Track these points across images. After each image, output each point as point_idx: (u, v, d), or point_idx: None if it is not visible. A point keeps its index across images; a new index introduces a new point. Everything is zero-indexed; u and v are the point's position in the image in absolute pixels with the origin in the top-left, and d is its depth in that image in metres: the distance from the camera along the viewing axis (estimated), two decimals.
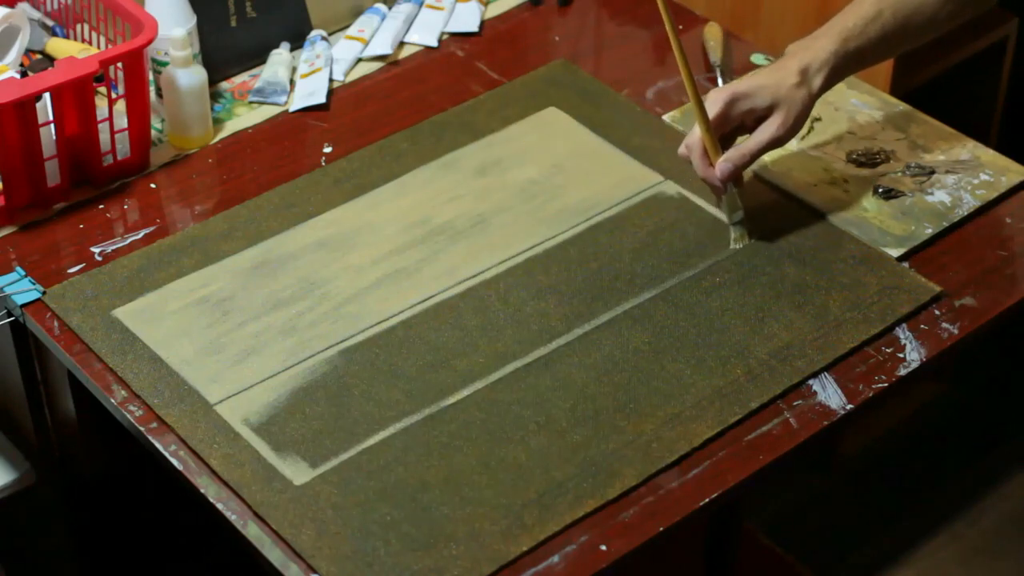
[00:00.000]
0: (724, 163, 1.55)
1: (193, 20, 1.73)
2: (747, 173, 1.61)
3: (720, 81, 1.79)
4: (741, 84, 1.56)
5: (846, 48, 1.55)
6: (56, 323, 1.51)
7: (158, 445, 1.39)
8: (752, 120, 1.56)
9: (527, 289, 1.54)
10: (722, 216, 1.60)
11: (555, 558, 1.29)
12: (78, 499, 1.74)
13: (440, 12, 1.92)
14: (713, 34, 1.86)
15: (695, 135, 1.56)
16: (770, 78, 1.55)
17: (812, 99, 1.56)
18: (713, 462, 1.37)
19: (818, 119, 1.73)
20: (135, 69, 1.63)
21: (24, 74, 1.69)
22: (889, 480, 2.43)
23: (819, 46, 1.56)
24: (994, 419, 1.64)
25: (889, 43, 1.58)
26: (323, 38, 1.86)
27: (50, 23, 1.80)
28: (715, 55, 1.83)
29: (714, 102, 1.55)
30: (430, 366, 1.45)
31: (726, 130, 1.58)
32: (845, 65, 1.56)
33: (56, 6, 1.80)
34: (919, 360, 1.47)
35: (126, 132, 1.67)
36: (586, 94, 1.79)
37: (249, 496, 1.33)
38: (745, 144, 1.56)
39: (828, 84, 1.56)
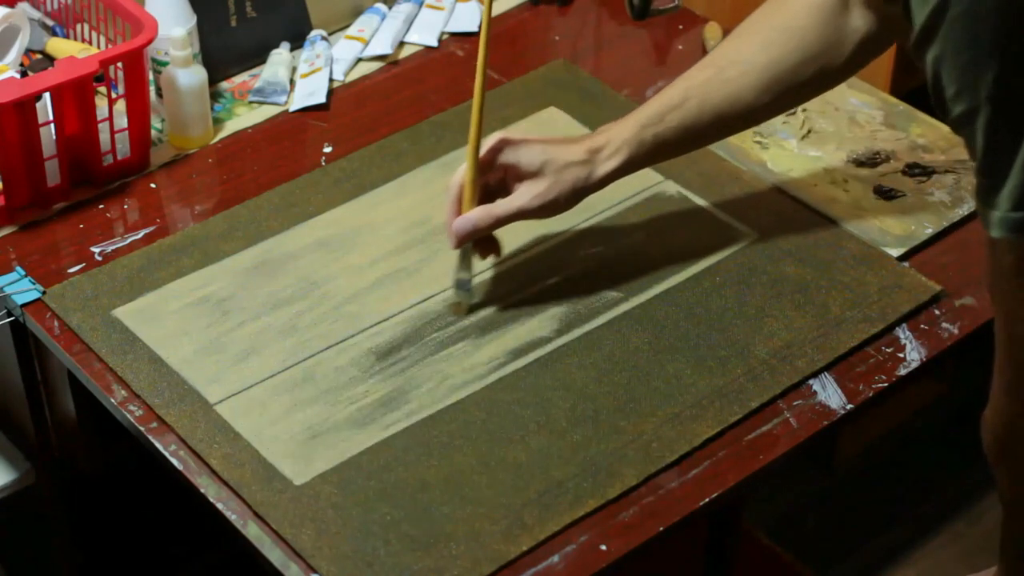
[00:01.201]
0: (463, 221, 1.45)
1: (193, 20, 1.73)
2: (751, 178, 1.60)
3: None
4: (519, 135, 1.46)
5: (641, 136, 1.46)
6: (56, 323, 1.51)
7: (158, 445, 1.39)
8: (514, 179, 1.47)
9: (526, 289, 1.53)
10: None
11: (555, 558, 1.29)
12: (78, 499, 1.74)
13: (440, 12, 1.92)
14: (713, 34, 1.86)
15: (458, 175, 1.46)
16: (553, 144, 1.46)
17: (592, 182, 1.46)
18: (713, 462, 1.37)
19: (815, 119, 1.74)
20: (135, 69, 1.63)
21: (24, 74, 1.69)
22: (889, 480, 2.43)
23: (618, 130, 1.47)
24: None
25: (693, 132, 1.48)
26: (323, 38, 1.86)
27: (50, 23, 1.80)
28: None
29: (485, 142, 1.45)
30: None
31: (491, 179, 1.48)
32: (644, 153, 1.47)
33: (56, 6, 1.80)
34: (919, 360, 1.47)
35: (126, 132, 1.67)
36: (586, 94, 1.79)
37: (249, 496, 1.33)
38: (493, 206, 1.46)
39: (623, 171, 1.47)
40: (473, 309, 1.51)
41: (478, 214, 1.45)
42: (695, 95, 1.47)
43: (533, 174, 1.45)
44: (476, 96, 1.45)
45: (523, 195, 1.45)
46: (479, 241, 1.49)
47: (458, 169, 1.47)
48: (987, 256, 1.17)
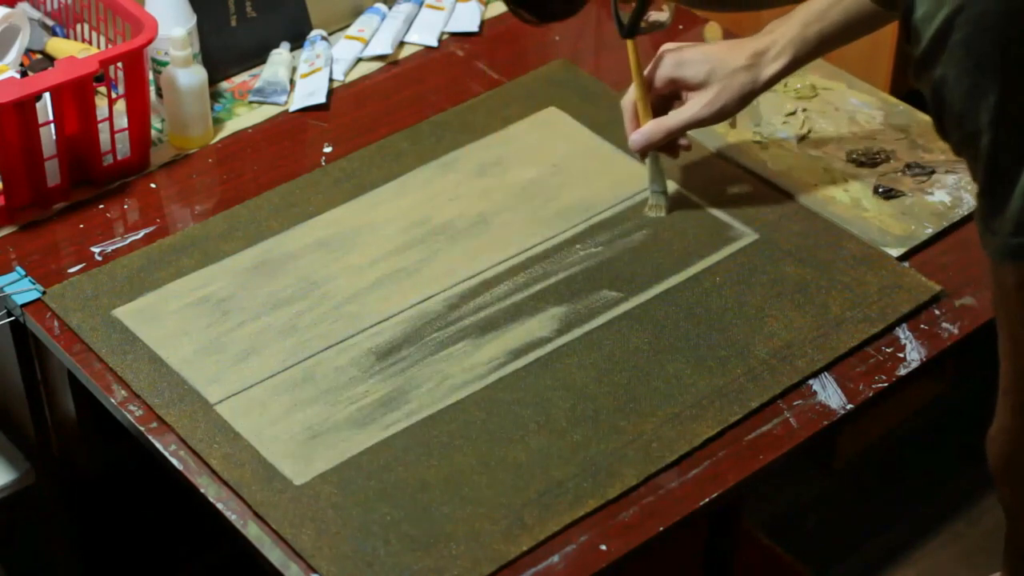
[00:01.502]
0: (638, 135, 1.53)
1: (193, 20, 1.73)
2: (751, 178, 1.61)
3: None
4: (686, 50, 1.51)
5: (805, 34, 1.50)
6: (56, 323, 1.51)
7: (158, 445, 1.39)
8: (684, 90, 1.52)
9: (527, 289, 1.53)
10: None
11: (555, 558, 1.29)
12: (78, 499, 1.73)
13: (440, 12, 1.92)
14: (713, 34, 1.86)
15: (630, 94, 1.52)
16: (718, 53, 1.50)
17: (759, 85, 1.51)
18: (713, 462, 1.37)
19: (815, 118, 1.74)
20: (135, 69, 1.63)
21: (24, 74, 1.69)
22: (889, 480, 2.43)
23: (781, 32, 1.51)
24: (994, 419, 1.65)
25: (853, 24, 1.52)
26: (323, 38, 1.86)
27: (50, 23, 1.80)
28: None
29: (654, 59, 1.51)
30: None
31: (663, 92, 1.53)
32: (807, 51, 1.52)
33: (56, 6, 1.80)
34: (919, 360, 1.47)
35: (126, 132, 1.67)
36: (586, 94, 1.79)
37: (249, 496, 1.33)
38: (665, 119, 1.53)
39: (787, 70, 1.52)
40: (474, 310, 1.51)
41: (651, 127, 1.52)
42: None
43: (700, 84, 1.50)
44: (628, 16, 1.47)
45: (692, 106, 1.51)
46: (665, 147, 1.56)
47: (629, 88, 1.53)
48: (991, 277, 1.17)
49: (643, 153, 1.56)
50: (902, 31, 1.10)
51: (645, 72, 1.53)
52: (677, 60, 1.50)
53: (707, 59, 1.49)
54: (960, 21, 1.04)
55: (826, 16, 1.50)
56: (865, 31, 1.55)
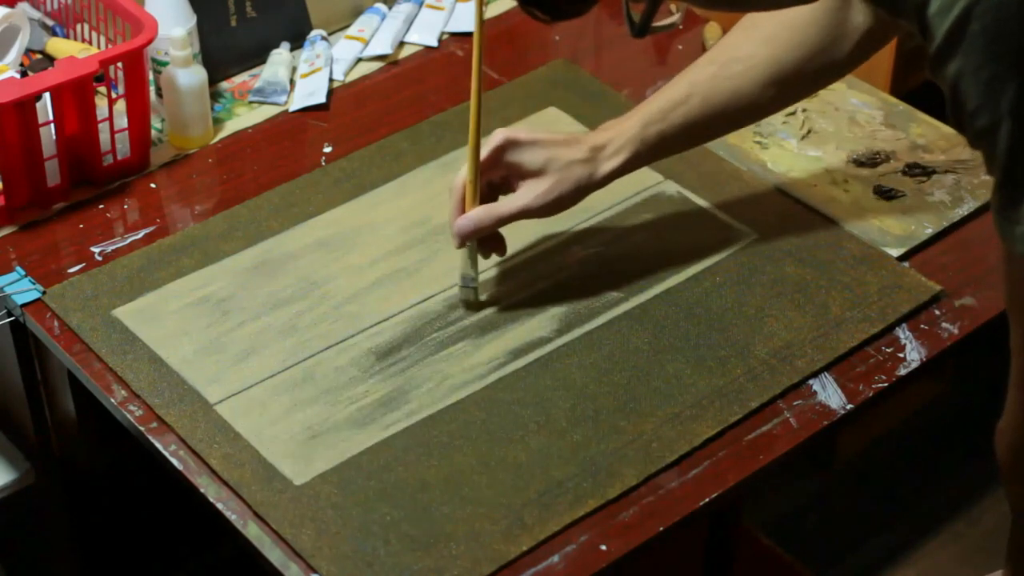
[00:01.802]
0: (465, 220, 1.45)
1: (193, 20, 1.73)
2: (751, 178, 1.60)
3: None
4: (524, 133, 1.46)
5: (645, 134, 1.46)
6: (56, 323, 1.51)
7: (158, 445, 1.39)
8: (517, 177, 1.47)
9: (526, 289, 1.53)
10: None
11: (555, 558, 1.29)
12: (78, 499, 1.73)
13: (440, 12, 1.92)
14: (713, 34, 1.86)
15: (461, 175, 1.46)
16: (556, 143, 1.45)
17: (596, 180, 1.46)
18: (713, 462, 1.37)
19: (815, 118, 1.74)
20: (135, 69, 1.63)
21: (24, 74, 1.69)
22: (889, 480, 2.43)
23: (621, 128, 1.47)
24: (994, 419, 1.64)
25: (697, 129, 1.48)
26: (323, 38, 1.86)
27: (50, 23, 1.80)
28: None
29: (488, 140, 1.45)
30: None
31: (494, 178, 1.48)
32: (647, 150, 1.47)
33: (56, 6, 1.80)
34: (919, 360, 1.47)
35: (126, 132, 1.67)
36: (586, 94, 1.79)
37: (249, 496, 1.33)
38: (496, 205, 1.46)
39: (625, 168, 1.47)
40: (475, 308, 1.51)
41: (480, 213, 1.45)
42: (699, 91, 1.47)
43: (536, 173, 1.45)
44: (473, 96, 1.45)
45: (526, 194, 1.46)
46: (484, 240, 1.49)
47: (461, 169, 1.47)
48: (1005, 271, 1.16)
49: (462, 240, 1.46)
50: (917, 28, 1.10)
51: (483, 155, 1.46)
52: (507, 142, 1.45)
53: (546, 149, 1.44)
54: (978, 11, 1.04)
55: (667, 118, 1.47)
56: (720, 131, 1.53)
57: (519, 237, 1.59)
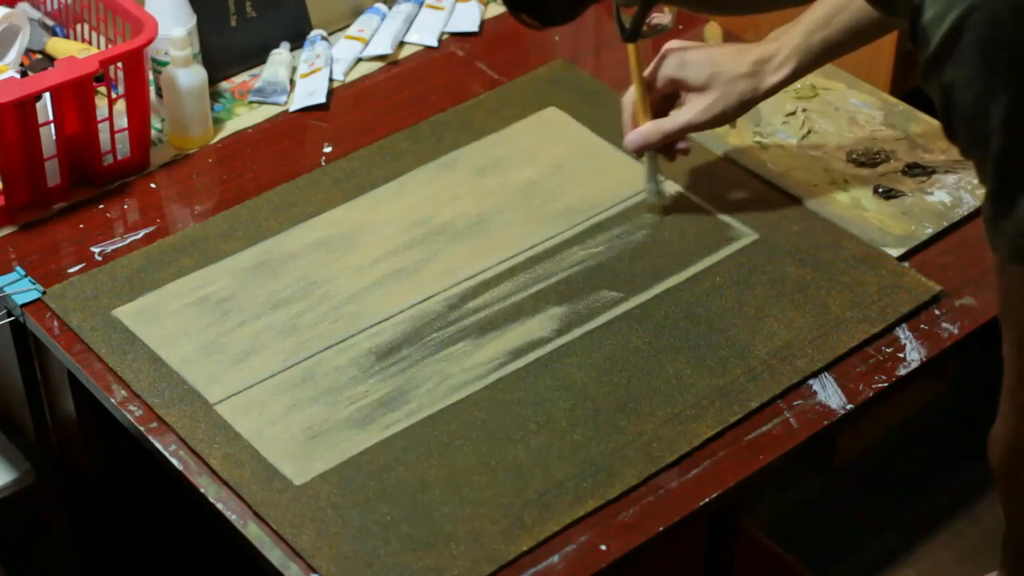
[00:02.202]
0: (634, 135, 1.52)
1: (193, 20, 1.73)
2: (751, 178, 1.60)
3: None
4: (690, 51, 1.49)
5: (810, 42, 1.49)
6: (56, 323, 1.51)
7: (158, 445, 1.39)
8: (683, 90, 1.51)
9: (527, 289, 1.54)
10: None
11: (555, 558, 1.29)
12: (78, 499, 1.73)
13: (440, 12, 1.92)
14: (713, 33, 1.86)
15: (630, 93, 1.51)
16: (722, 57, 1.48)
17: (760, 94, 1.49)
18: (713, 462, 1.37)
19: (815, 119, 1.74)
20: (135, 69, 1.63)
21: (24, 74, 1.69)
22: (889, 480, 2.43)
23: (785, 39, 1.50)
24: (994, 419, 1.64)
25: (861, 31, 1.50)
26: (323, 38, 1.86)
27: (50, 23, 1.80)
28: None
29: (657, 56, 1.49)
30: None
31: (663, 91, 1.52)
32: (811, 59, 1.50)
33: (56, 6, 1.80)
34: (919, 360, 1.47)
35: (126, 132, 1.67)
36: (586, 94, 1.79)
37: (249, 496, 1.33)
38: (662, 121, 1.52)
39: (790, 79, 1.50)
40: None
41: (648, 129, 1.51)
42: None
43: (701, 87, 1.48)
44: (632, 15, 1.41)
45: (690, 109, 1.50)
46: (663, 149, 1.55)
47: (630, 88, 1.52)
48: (996, 278, 1.16)
49: (639, 153, 1.56)
50: (909, 34, 1.10)
51: (647, 71, 1.52)
52: (680, 60, 1.49)
53: (710, 62, 1.48)
54: (971, 22, 1.03)
55: (831, 23, 1.49)
56: (872, 37, 1.54)
57: (518, 237, 1.59)
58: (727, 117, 1.51)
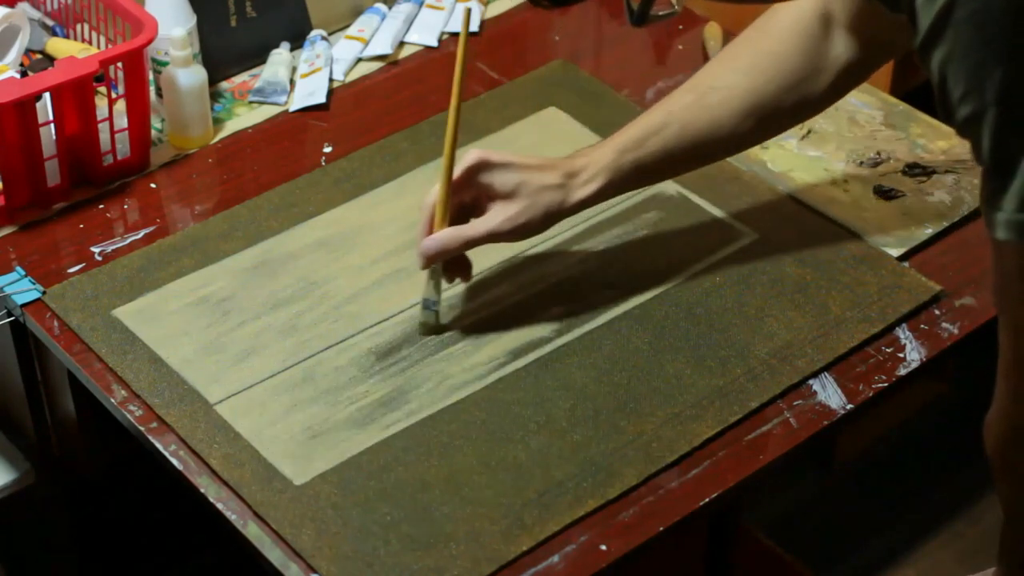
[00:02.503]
0: (431, 241, 1.42)
1: (193, 20, 1.73)
2: (751, 178, 1.60)
3: None
4: (498, 155, 1.43)
5: (620, 162, 1.44)
6: (56, 323, 1.51)
7: (158, 445, 1.39)
8: (487, 199, 1.43)
9: (526, 290, 1.53)
10: None
11: (555, 558, 1.29)
12: (78, 499, 1.74)
13: (440, 12, 1.92)
14: (713, 34, 1.86)
15: (431, 194, 1.43)
16: (531, 167, 1.42)
17: (567, 207, 1.43)
18: (713, 462, 1.37)
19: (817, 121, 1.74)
20: (135, 69, 1.63)
21: (24, 74, 1.69)
22: (889, 480, 2.43)
23: (597, 155, 1.44)
24: None
25: (673, 158, 1.46)
26: (323, 38, 1.86)
27: (50, 23, 1.80)
28: (715, 55, 1.83)
29: (462, 160, 1.42)
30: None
31: (466, 198, 1.44)
32: (621, 179, 1.44)
33: (56, 6, 1.80)
34: (919, 360, 1.47)
35: (126, 132, 1.67)
36: (586, 94, 1.79)
37: (249, 496, 1.33)
38: (464, 228, 1.42)
39: (599, 196, 1.44)
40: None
41: (447, 235, 1.42)
42: (676, 120, 1.45)
43: (506, 196, 1.42)
44: (451, 115, 1.42)
45: (494, 217, 1.42)
46: (450, 263, 1.47)
47: (432, 188, 1.44)
48: (992, 260, 1.17)
49: (429, 262, 1.44)
50: (908, 14, 1.10)
51: (456, 175, 1.43)
52: (481, 163, 1.42)
53: (519, 173, 1.42)
54: None
55: (644, 145, 1.44)
56: (692, 166, 1.51)
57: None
58: (531, 228, 1.43)
